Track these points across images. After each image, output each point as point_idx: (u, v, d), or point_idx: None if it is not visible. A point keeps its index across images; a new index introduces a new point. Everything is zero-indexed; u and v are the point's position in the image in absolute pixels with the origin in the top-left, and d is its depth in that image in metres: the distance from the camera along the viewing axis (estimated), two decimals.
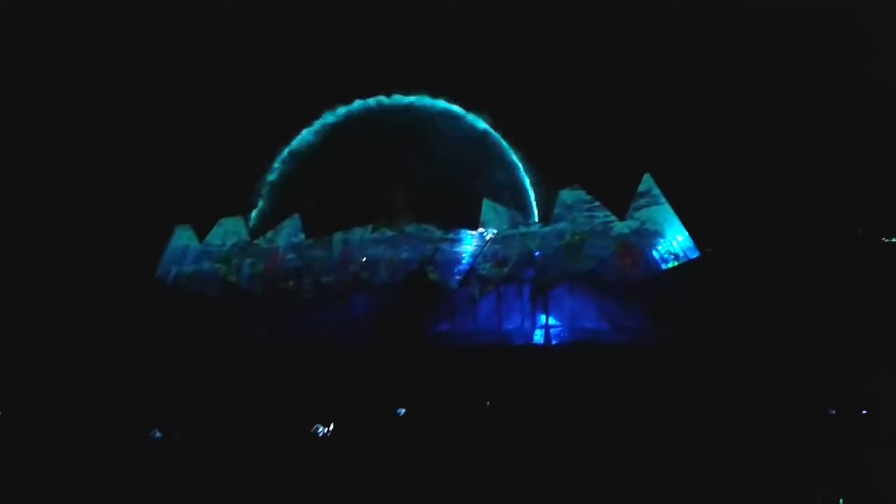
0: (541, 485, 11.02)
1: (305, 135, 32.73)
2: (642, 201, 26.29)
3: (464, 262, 27.12)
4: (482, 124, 31.91)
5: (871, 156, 28.38)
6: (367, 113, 32.34)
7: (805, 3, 29.46)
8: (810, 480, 9.67)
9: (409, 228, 28.28)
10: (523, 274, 27.16)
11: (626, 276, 25.80)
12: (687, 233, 25.56)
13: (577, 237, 26.31)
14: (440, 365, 22.96)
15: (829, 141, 29.05)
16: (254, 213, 32.22)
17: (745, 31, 30.69)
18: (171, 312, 27.85)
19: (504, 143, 32.03)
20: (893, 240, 26.88)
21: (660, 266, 25.63)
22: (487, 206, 27.96)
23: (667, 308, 24.52)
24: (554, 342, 26.32)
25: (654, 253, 25.78)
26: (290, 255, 29.03)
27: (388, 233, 28.35)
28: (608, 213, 26.53)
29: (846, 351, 20.66)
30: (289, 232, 29.49)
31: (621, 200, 26.62)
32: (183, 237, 30.69)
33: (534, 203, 31.43)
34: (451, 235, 27.54)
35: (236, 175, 32.00)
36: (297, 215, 29.61)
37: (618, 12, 32.14)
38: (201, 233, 30.69)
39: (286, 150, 32.76)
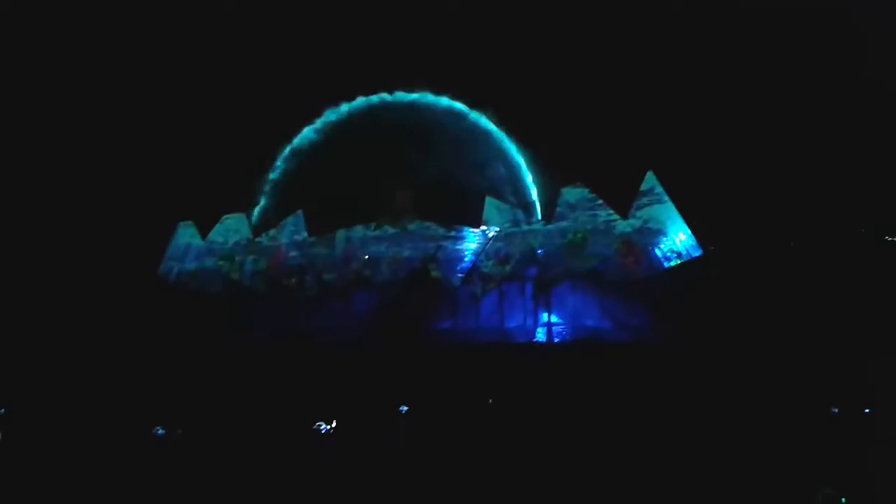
0: (543, 483, 11.03)
1: (308, 132, 32.74)
2: (645, 200, 26.29)
3: (466, 259, 27.11)
4: (485, 122, 31.88)
5: (874, 154, 28.32)
6: (370, 110, 32.31)
7: (805, 3, 29.41)
8: (812, 479, 9.66)
9: (412, 226, 28.27)
10: (526, 272, 27.14)
11: (629, 275, 25.79)
12: (689, 231, 25.54)
13: (579, 235, 26.30)
14: (442, 362, 22.97)
15: (832, 140, 28.99)
16: (256, 211, 32.24)
17: (747, 31, 30.62)
18: (173, 309, 27.89)
19: (507, 140, 31.99)
20: None
21: (662, 264, 25.62)
22: (490, 203, 27.98)
23: (669, 306, 24.51)
24: (556, 340, 26.32)
25: (657, 251, 25.78)
26: (293, 253, 29.03)
27: (391, 230, 28.36)
28: (611, 211, 26.53)
29: (849, 349, 20.65)
30: (291, 229, 29.52)
31: (624, 199, 26.63)
32: (185, 234, 30.75)
33: (536, 201, 31.39)
34: (453, 233, 27.52)
35: (239, 172, 32.00)
36: (299, 212, 29.64)
37: (620, 11, 32.07)
38: (204, 230, 30.76)
39: (288, 148, 32.77)
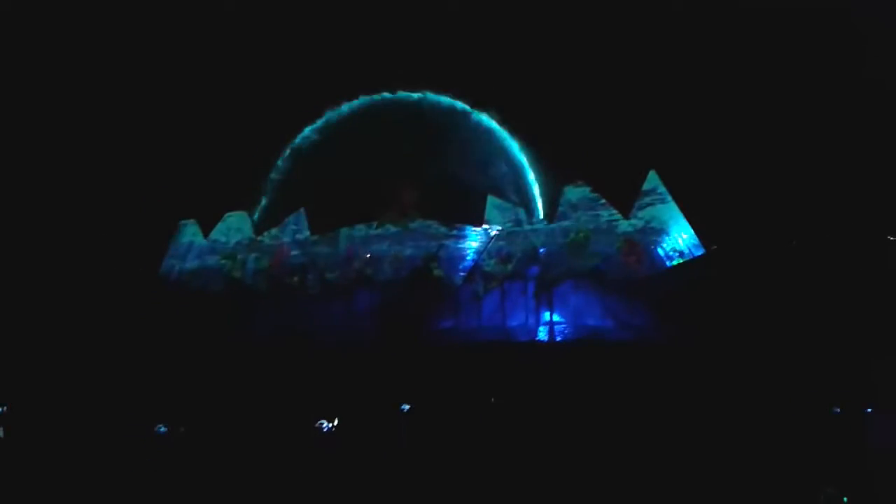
0: (545, 481, 11.03)
1: (309, 132, 32.76)
2: (647, 199, 26.29)
3: (468, 258, 27.10)
4: (487, 121, 31.88)
5: (876, 154, 28.26)
6: (372, 109, 32.32)
7: (805, 3, 29.37)
8: (814, 479, 9.66)
9: (414, 225, 28.28)
10: (528, 271, 27.10)
11: (631, 274, 25.76)
12: (692, 230, 25.55)
13: (581, 234, 26.29)
14: (444, 361, 22.98)
15: (834, 139, 28.95)
16: (258, 209, 32.27)
17: (749, 31, 30.58)
18: (175, 308, 27.91)
19: (509, 139, 31.99)
20: None
21: (664, 263, 25.61)
22: (492, 202, 27.97)
23: (671, 305, 24.45)
24: (558, 339, 26.29)
25: (659, 250, 25.77)
26: (295, 251, 29.05)
27: (393, 229, 28.36)
28: (613, 210, 26.52)
29: (851, 349, 20.61)
30: (293, 228, 29.54)
31: (626, 198, 26.62)
32: (187, 233, 30.78)
33: (539, 200, 31.40)
34: (455, 232, 27.51)
35: (241, 171, 32.04)
36: (302, 210, 29.66)
37: (623, 10, 32.04)
38: (206, 228, 30.78)
39: (290, 147, 32.80)
